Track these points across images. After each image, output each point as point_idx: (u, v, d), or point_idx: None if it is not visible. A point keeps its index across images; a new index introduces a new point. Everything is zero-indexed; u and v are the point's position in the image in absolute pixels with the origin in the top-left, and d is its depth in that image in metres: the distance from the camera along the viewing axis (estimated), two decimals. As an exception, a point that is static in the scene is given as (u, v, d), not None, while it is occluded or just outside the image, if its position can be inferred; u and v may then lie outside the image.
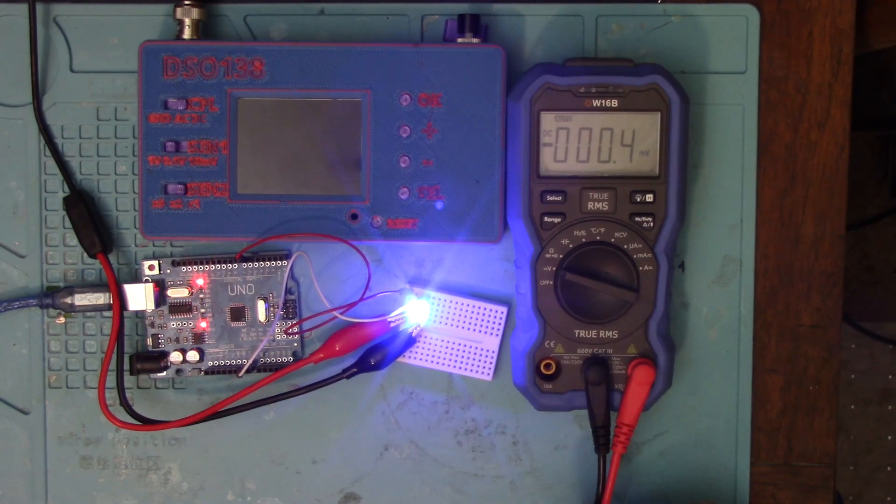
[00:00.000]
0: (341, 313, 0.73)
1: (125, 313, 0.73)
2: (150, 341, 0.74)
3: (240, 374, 0.74)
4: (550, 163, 0.70)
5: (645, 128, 0.69)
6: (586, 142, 0.69)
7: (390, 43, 0.71)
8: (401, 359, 0.74)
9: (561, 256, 0.70)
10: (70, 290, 0.73)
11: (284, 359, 0.74)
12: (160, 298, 0.73)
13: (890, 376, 1.55)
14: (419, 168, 0.71)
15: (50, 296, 0.73)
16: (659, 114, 0.69)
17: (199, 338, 0.74)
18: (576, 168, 0.70)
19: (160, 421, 0.73)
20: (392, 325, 0.73)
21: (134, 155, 0.74)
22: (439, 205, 0.71)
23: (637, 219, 0.70)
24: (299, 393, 0.73)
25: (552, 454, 0.75)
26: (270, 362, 0.74)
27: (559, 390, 0.71)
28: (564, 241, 0.70)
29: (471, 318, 0.74)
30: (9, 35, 0.74)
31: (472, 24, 0.71)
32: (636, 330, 0.71)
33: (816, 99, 0.74)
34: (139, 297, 0.73)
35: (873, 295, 1.51)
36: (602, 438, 0.71)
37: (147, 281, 0.73)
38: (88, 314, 0.75)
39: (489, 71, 0.70)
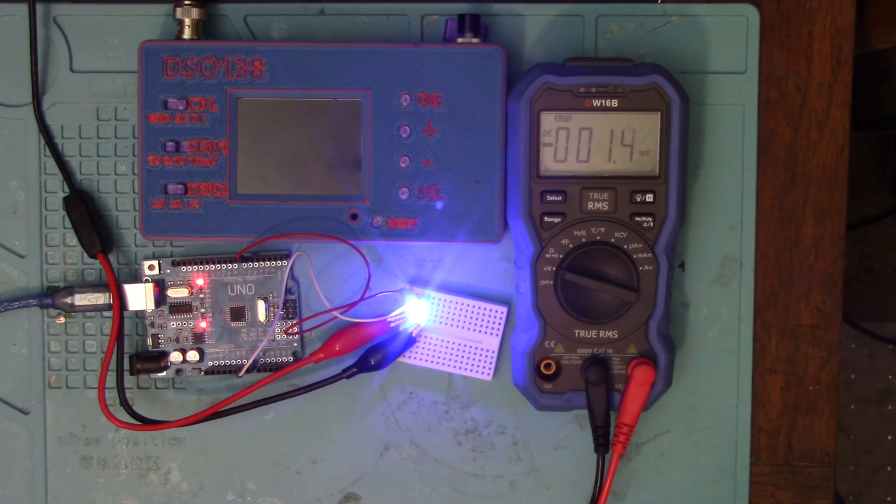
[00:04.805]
0: (341, 313, 0.73)
1: (125, 313, 0.73)
2: (150, 341, 0.74)
3: (240, 374, 0.74)
4: (550, 163, 0.70)
5: (645, 128, 0.69)
6: (586, 142, 0.69)
7: (390, 43, 0.71)
8: (401, 359, 0.74)
9: (561, 256, 0.70)
10: (70, 290, 0.73)
11: (284, 359, 0.74)
12: (160, 298, 0.73)
13: (890, 376, 1.55)
14: (419, 168, 0.71)
15: (50, 296, 0.73)
16: (659, 114, 0.69)
17: (199, 338, 0.74)
18: (576, 168, 0.70)
19: (160, 421, 0.73)
20: (392, 325, 0.73)
21: (134, 155, 0.74)
22: (439, 205, 0.71)
23: (637, 219, 0.70)
24: (299, 393, 0.73)
25: (552, 454, 0.75)
26: (270, 362, 0.74)
27: (559, 390, 0.71)
28: (564, 241, 0.70)
29: (471, 318, 0.74)
30: (9, 35, 0.74)
31: (472, 24, 0.71)
32: (636, 330, 0.71)
33: (816, 99, 0.74)
34: (139, 297, 0.73)
35: (873, 295, 1.51)
36: (602, 438, 0.71)
37: (147, 281, 0.73)
38: (88, 314, 0.75)
39: (489, 71, 0.70)
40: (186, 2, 0.71)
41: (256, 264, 0.73)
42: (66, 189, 0.74)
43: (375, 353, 0.73)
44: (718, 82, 0.74)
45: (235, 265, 0.73)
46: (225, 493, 0.76)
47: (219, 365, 0.74)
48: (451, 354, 0.74)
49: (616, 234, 0.70)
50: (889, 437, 1.55)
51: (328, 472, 0.75)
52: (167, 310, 0.74)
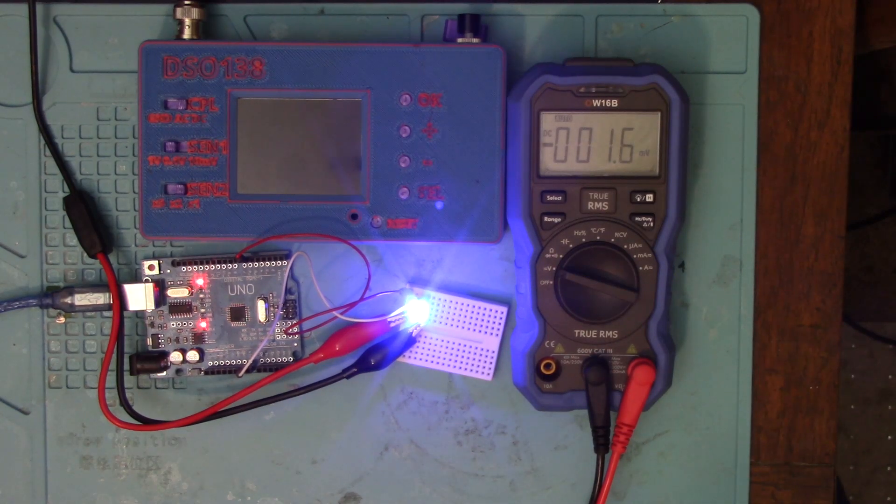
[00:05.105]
0: (341, 313, 0.73)
1: (125, 313, 0.73)
2: (150, 341, 0.74)
3: (240, 374, 0.74)
4: (550, 163, 0.70)
5: (645, 128, 0.69)
6: (586, 142, 0.69)
7: (390, 43, 0.71)
8: (401, 359, 0.74)
9: (561, 256, 0.70)
10: (70, 290, 0.73)
11: (284, 359, 0.74)
12: (160, 298, 0.73)
13: (890, 376, 1.55)
14: (419, 168, 0.71)
15: (50, 296, 0.73)
16: (659, 114, 0.69)
17: (199, 338, 0.74)
18: (576, 168, 0.70)
19: (160, 421, 0.73)
20: (392, 325, 0.73)
21: (134, 155, 0.74)
22: (439, 205, 0.71)
23: (637, 219, 0.70)
24: (299, 393, 0.73)
25: (552, 454, 0.75)
26: (270, 362, 0.74)
27: (559, 390, 0.71)
28: (564, 241, 0.70)
29: (471, 318, 0.74)
30: (9, 35, 0.74)
31: (472, 24, 0.71)
32: (636, 330, 0.71)
33: (816, 99, 0.74)
34: (139, 297, 0.73)
35: (873, 295, 1.51)
36: (602, 438, 0.71)
37: (147, 281, 0.73)
38: (88, 314, 0.75)
39: (489, 71, 0.70)
40: (186, 2, 0.71)
41: (256, 264, 0.73)
42: (66, 189, 0.74)
43: (375, 353, 0.73)
44: (718, 82, 0.74)
45: (235, 265, 0.73)
46: (225, 493, 0.76)
47: (219, 365, 0.74)
48: (451, 354, 0.74)
49: (616, 234, 0.70)
50: (889, 437, 1.55)
51: (328, 472, 0.75)
52: (167, 310, 0.74)
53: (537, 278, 0.70)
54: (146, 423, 0.72)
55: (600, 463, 0.72)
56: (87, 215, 0.73)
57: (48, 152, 0.74)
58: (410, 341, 0.73)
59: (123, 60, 0.74)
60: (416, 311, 0.73)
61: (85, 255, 0.73)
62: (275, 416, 0.75)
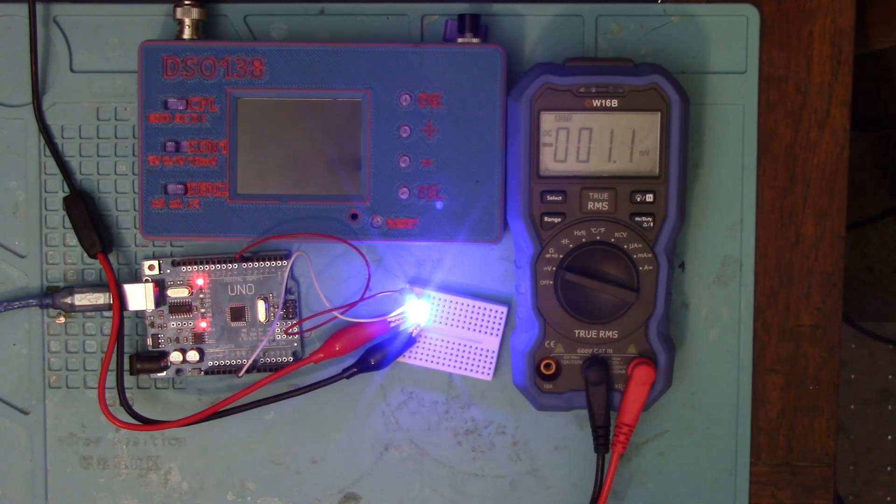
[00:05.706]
0: (341, 313, 0.73)
1: (125, 313, 0.73)
2: (150, 341, 0.74)
3: (240, 374, 0.74)
4: (550, 163, 0.70)
5: (645, 128, 0.69)
6: (586, 142, 0.69)
7: (390, 43, 0.71)
8: (401, 359, 0.74)
9: (561, 256, 0.70)
10: (70, 290, 0.73)
11: (284, 359, 0.74)
12: (160, 298, 0.73)
13: (890, 376, 1.55)
14: (419, 168, 0.71)
15: (50, 296, 0.73)
16: (659, 114, 0.69)
17: (199, 338, 0.74)
18: (576, 168, 0.70)
19: (160, 421, 0.73)
20: (392, 325, 0.73)
21: (134, 155, 0.74)
22: (439, 205, 0.71)
23: (637, 219, 0.70)
24: (299, 393, 0.73)
25: (552, 454, 0.75)
26: (270, 362, 0.74)
27: (559, 390, 0.71)
28: (564, 241, 0.70)
29: (471, 318, 0.74)
30: (9, 35, 0.74)
31: (472, 24, 0.71)
32: (636, 330, 0.71)
33: (816, 99, 0.74)
34: (139, 297, 0.73)
35: (873, 295, 1.51)
36: (602, 438, 0.71)
37: (147, 281, 0.73)
38: (88, 314, 0.75)
39: (489, 71, 0.70)
40: (186, 2, 0.71)
41: (256, 264, 0.73)
42: (66, 189, 0.74)
43: (375, 353, 0.73)
44: (718, 82, 0.74)
45: (235, 265, 0.73)
46: (225, 493, 0.76)
47: (219, 365, 0.74)
48: (451, 354, 0.74)
49: (616, 234, 0.70)
50: (889, 437, 1.55)
51: (328, 472, 0.75)
52: (167, 310, 0.74)
53: (537, 278, 0.70)
54: (146, 423, 0.72)
55: (600, 463, 0.72)
56: (87, 215, 0.73)
57: (48, 152, 0.74)
58: (410, 341, 0.73)
59: (123, 60, 0.74)
60: (416, 311, 0.73)
61: (85, 255, 0.73)
62: (275, 416, 0.75)
